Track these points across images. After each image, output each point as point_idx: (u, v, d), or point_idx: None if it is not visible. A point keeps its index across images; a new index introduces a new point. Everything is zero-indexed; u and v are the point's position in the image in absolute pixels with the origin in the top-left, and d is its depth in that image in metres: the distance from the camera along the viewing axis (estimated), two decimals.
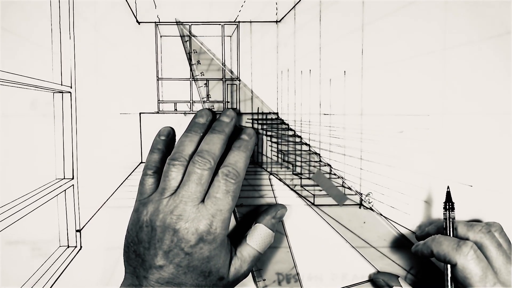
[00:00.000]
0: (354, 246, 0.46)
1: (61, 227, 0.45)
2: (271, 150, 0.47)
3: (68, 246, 0.46)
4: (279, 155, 0.47)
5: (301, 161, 0.46)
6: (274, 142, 0.46)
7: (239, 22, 0.45)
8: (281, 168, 0.47)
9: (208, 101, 0.46)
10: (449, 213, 0.40)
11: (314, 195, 0.46)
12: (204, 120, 0.41)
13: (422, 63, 0.44)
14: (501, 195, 0.44)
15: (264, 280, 0.46)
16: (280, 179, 0.47)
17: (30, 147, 0.44)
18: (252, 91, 0.45)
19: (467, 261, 0.36)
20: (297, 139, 0.46)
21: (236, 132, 0.41)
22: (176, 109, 0.46)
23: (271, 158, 0.47)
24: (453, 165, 0.44)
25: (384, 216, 0.46)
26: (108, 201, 0.46)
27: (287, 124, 0.46)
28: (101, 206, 0.46)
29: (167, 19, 0.45)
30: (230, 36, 0.45)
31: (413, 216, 0.45)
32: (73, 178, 0.45)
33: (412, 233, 0.45)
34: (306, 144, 0.46)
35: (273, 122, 0.46)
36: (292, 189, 0.46)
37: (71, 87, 0.44)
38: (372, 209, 0.46)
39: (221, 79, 0.46)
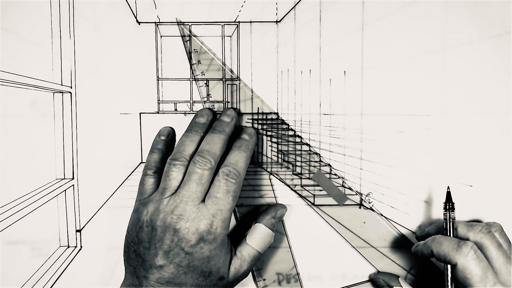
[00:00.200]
0: (354, 246, 0.46)
1: (61, 227, 0.45)
2: (271, 150, 0.47)
3: (68, 246, 0.46)
4: (279, 155, 0.47)
5: (301, 161, 0.46)
6: (274, 142, 0.46)
7: (239, 22, 0.45)
8: (281, 168, 0.47)
9: (208, 101, 0.46)
10: (449, 213, 0.40)
11: (314, 195, 0.46)
12: (205, 120, 0.41)
13: (422, 63, 0.44)
14: (501, 195, 0.44)
15: (264, 280, 0.46)
16: (280, 179, 0.47)
17: (30, 147, 0.44)
18: (252, 91, 0.45)
19: (467, 261, 0.36)
20: (297, 139, 0.46)
21: (237, 132, 0.41)
22: (176, 109, 0.46)
23: (271, 158, 0.47)
24: (453, 165, 0.44)
25: (384, 216, 0.46)
26: (108, 201, 0.46)
27: (287, 124, 0.46)
28: (101, 206, 0.46)
29: (167, 19, 0.45)
30: (230, 36, 0.45)
31: (413, 216, 0.45)
32: (73, 178, 0.45)
33: (412, 233, 0.45)
34: (306, 144, 0.46)
35: (273, 122, 0.46)
36: (292, 189, 0.46)
37: (71, 87, 0.44)
38: (372, 209, 0.46)
39: (221, 79, 0.46)
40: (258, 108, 0.46)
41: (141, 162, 0.46)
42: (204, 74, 0.46)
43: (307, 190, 0.46)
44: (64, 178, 0.45)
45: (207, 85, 0.46)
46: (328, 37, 0.44)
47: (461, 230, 0.40)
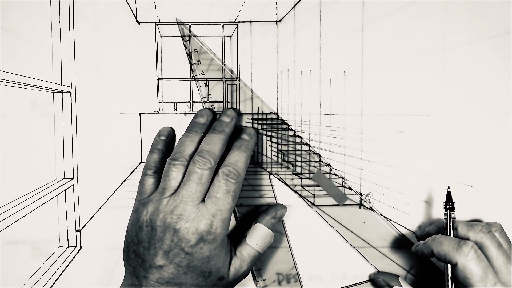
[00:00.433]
0: (354, 246, 0.46)
1: (61, 227, 0.45)
2: (271, 150, 0.47)
3: (68, 246, 0.46)
4: (279, 155, 0.47)
5: (301, 161, 0.46)
6: (274, 142, 0.46)
7: (239, 22, 0.45)
8: (281, 168, 0.47)
9: (208, 101, 0.46)
10: (449, 213, 0.40)
11: (314, 195, 0.46)
12: (205, 120, 0.41)
13: (422, 63, 0.44)
14: (501, 195, 0.44)
15: (264, 280, 0.46)
16: (280, 179, 0.47)
17: (30, 147, 0.44)
18: (252, 91, 0.45)
19: (467, 261, 0.36)
20: (297, 139, 0.46)
21: (237, 132, 0.41)
22: (176, 109, 0.46)
23: (271, 158, 0.47)
24: (453, 165, 0.44)
25: (384, 216, 0.46)
26: (108, 201, 0.46)
27: (287, 124, 0.46)
28: (101, 206, 0.46)
29: (167, 19, 0.45)
30: (230, 36, 0.45)
31: (413, 216, 0.45)
32: (73, 178, 0.45)
33: (412, 233, 0.45)
34: (306, 144, 0.46)
35: (273, 122, 0.46)
36: (292, 189, 0.46)
37: (71, 87, 0.44)
38: (372, 209, 0.46)
39: (221, 79, 0.46)
40: (258, 108, 0.46)
41: (141, 162, 0.46)
42: (204, 74, 0.46)
43: (307, 190, 0.46)
44: (64, 178, 0.45)
45: (207, 85, 0.46)
46: (328, 37, 0.44)
47: (461, 230, 0.40)
